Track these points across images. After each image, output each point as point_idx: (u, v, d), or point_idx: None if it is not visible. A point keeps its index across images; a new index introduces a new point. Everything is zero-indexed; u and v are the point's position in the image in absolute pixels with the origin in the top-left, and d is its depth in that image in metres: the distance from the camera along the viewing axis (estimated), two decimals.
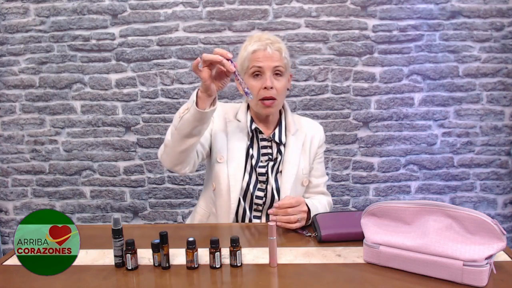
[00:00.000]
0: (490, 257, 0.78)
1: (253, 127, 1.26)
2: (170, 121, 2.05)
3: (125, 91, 2.06)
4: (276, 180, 1.26)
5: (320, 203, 1.24)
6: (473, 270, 0.77)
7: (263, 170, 1.25)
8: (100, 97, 2.06)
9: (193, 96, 1.04)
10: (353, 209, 2.11)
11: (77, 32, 2.02)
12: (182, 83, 2.04)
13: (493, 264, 0.80)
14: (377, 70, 2.02)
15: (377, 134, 2.06)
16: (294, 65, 2.01)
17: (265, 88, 1.19)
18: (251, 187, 1.24)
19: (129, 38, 2.02)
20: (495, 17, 1.98)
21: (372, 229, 0.89)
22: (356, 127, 2.06)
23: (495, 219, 0.78)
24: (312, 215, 1.10)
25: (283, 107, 1.32)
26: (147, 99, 2.06)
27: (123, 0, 1.99)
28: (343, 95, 2.04)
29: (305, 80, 2.03)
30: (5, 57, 2.04)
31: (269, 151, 1.28)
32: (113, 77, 2.05)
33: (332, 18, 1.99)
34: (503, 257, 0.91)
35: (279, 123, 1.30)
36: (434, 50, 2.00)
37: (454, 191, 2.09)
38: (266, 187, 1.25)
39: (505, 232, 0.78)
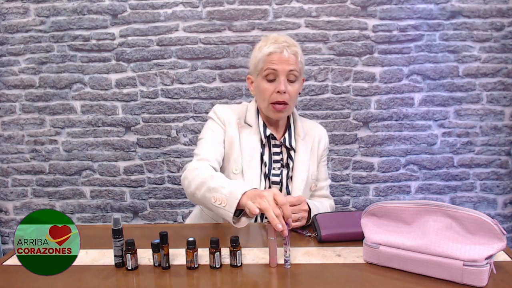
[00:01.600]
0: (490, 257, 0.78)
1: (267, 133, 1.23)
2: (170, 121, 2.06)
3: (125, 91, 2.06)
4: (287, 187, 1.24)
5: (322, 204, 1.23)
6: (473, 270, 0.77)
7: (277, 179, 1.23)
8: (100, 97, 2.06)
9: (234, 205, 0.93)
10: (353, 209, 2.11)
11: (77, 32, 2.02)
12: (182, 83, 2.04)
13: (493, 264, 0.80)
14: (377, 70, 2.02)
15: (377, 134, 2.06)
16: None
17: (278, 92, 1.17)
18: None
19: (129, 38, 2.02)
20: (495, 17, 1.98)
21: (372, 229, 0.89)
22: (356, 127, 2.06)
23: (495, 219, 0.78)
24: (312, 215, 1.10)
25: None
26: (147, 99, 2.06)
27: (123, 0, 1.99)
28: (343, 95, 2.04)
29: (305, 80, 2.03)
30: (5, 57, 2.04)
31: (280, 157, 1.25)
32: (113, 77, 2.05)
33: (332, 18, 1.99)
34: (503, 257, 0.91)
35: (288, 127, 1.28)
36: (434, 50, 2.00)
37: (454, 191, 2.09)
38: None
39: (505, 232, 0.78)
